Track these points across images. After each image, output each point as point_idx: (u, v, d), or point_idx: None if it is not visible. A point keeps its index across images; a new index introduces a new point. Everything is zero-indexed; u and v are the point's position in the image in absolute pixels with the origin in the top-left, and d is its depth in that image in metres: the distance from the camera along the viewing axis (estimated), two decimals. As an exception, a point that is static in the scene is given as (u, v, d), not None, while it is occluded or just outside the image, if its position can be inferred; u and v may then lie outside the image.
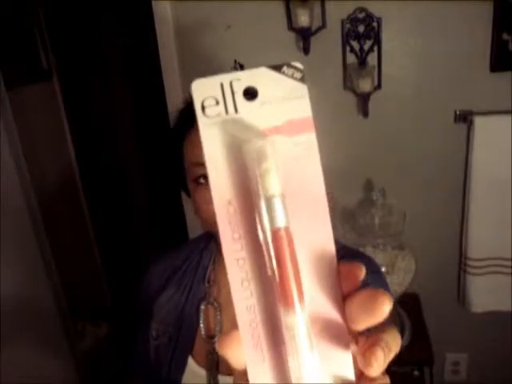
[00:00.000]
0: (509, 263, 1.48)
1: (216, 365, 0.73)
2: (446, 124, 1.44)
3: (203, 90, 0.23)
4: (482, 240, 1.48)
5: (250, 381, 0.25)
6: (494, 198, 1.43)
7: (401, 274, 1.39)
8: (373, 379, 0.25)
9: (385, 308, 0.23)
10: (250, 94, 0.23)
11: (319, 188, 0.24)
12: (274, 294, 0.24)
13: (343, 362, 0.25)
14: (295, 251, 0.23)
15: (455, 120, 1.43)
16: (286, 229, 0.23)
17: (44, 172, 1.70)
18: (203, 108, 0.23)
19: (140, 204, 1.97)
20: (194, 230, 1.64)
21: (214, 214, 0.68)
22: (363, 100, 1.44)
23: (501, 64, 1.35)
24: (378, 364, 0.24)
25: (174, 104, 1.54)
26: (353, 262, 0.25)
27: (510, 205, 1.42)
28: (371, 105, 1.44)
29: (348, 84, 1.44)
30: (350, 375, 0.25)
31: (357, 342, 0.25)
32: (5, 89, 1.09)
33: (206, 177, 0.64)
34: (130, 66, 1.76)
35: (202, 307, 0.76)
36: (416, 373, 1.53)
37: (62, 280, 1.27)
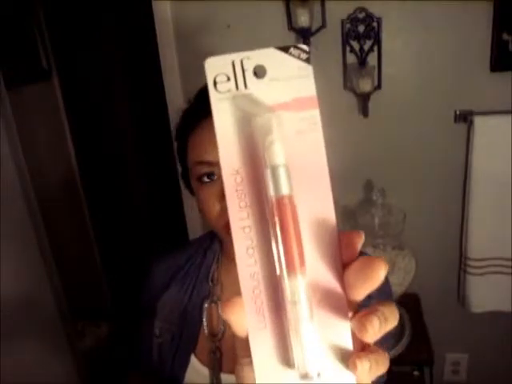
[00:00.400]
0: (509, 263, 1.48)
1: (219, 363, 0.73)
2: (446, 124, 1.44)
3: (216, 67, 0.25)
4: (481, 240, 1.48)
5: (252, 347, 0.25)
6: (494, 197, 1.43)
7: (401, 274, 1.39)
8: (369, 351, 0.25)
9: (381, 273, 0.24)
10: (259, 72, 0.25)
11: (322, 160, 0.25)
12: (277, 262, 0.24)
13: (342, 331, 0.25)
14: (298, 219, 0.24)
15: (455, 120, 1.43)
16: (290, 197, 0.24)
17: (44, 172, 1.70)
18: (215, 84, 0.25)
19: (140, 204, 1.97)
20: (194, 230, 1.64)
21: (216, 213, 0.68)
22: (363, 100, 1.44)
23: (501, 64, 1.35)
24: (373, 330, 0.24)
25: (174, 104, 1.55)
26: (352, 230, 0.25)
27: (510, 205, 1.42)
28: (371, 105, 1.44)
29: (348, 84, 1.44)
30: (348, 345, 0.25)
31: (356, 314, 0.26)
32: (5, 89, 1.09)
33: (209, 175, 0.65)
34: (130, 66, 1.76)
35: (206, 306, 0.76)
36: (416, 373, 1.53)
37: (62, 280, 1.27)
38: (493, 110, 1.39)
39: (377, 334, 0.25)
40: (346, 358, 0.25)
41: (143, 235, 2.00)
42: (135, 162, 1.91)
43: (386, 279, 0.77)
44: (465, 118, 1.41)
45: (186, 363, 0.75)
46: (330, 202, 0.25)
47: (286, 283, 0.24)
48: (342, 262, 0.25)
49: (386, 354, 0.26)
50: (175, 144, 0.74)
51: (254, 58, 0.25)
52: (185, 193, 1.64)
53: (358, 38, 1.38)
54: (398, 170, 1.53)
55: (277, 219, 0.24)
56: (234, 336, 0.27)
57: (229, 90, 0.25)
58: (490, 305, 1.55)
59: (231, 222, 0.25)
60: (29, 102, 1.62)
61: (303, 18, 1.34)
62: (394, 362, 1.41)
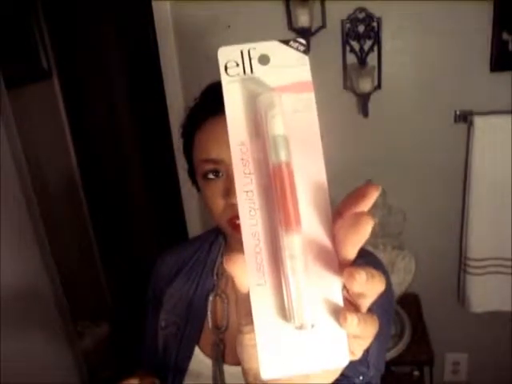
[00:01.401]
0: (509, 263, 1.48)
1: (222, 355, 0.75)
2: (446, 124, 1.44)
3: (227, 54, 0.30)
4: (481, 240, 1.48)
5: (252, 303, 0.28)
6: (493, 197, 1.43)
7: (401, 274, 1.39)
8: (357, 308, 0.28)
9: (367, 227, 0.26)
10: (263, 60, 0.29)
11: (315, 134, 0.29)
12: (276, 222, 0.28)
13: (333, 286, 0.28)
14: (294, 183, 0.27)
15: (455, 120, 1.43)
16: (288, 163, 0.27)
17: (44, 172, 1.70)
18: (226, 68, 0.30)
19: (140, 204, 1.97)
20: (194, 230, 1.64)
21: (221, 209, 0.70)
22: (363, 100, 1.44)
23: (501, 64, 1.35)
24: (361, 280, 0.26)
25: (174, 104, 1.55)
26: (368, 184, 0.28)
27: (510, 205, 1.42)
28: (371, 105, 1.44)
29: (348, 84, 1.44)
30: (339, 300, 0.28)
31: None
32: (5, 89, 1.09)
33: (214, 172, 0.67)
34: (130, 66, 1.76)
35: (210, 299, 0.78)
36: (416, 373, 1.53)
37: (62, 280, 1.27)
38: (493, 110, 1.39)
39: (363, 287, 0.26)
40: (338, 313, 0.27)
41: (143, 235, 2.00)
42: (135, 162, 1.91)
43: (389, 285, 0.77)
44: (465, 118, 1.41)
45: (190, 354, 0.77)
46: (322, 168, 0.28)
47: (284, 240, 0.27)
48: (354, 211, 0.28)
49: (376, 319, 0.28)
50: (181, 141, 0.75)
51: (259, 48, 0.30)
52: (184, 192, 1.64)
53: (358, 38, 1.38)
54: (398, 170, 1.53)
55: (276, 183, 0.27)
56: (236, 300, 0.30)
57: (238, 74, 0.29)
58: (490, 305, 1.55)
59: (236, 186, 0.28)
60: (29, 102, 1.62)
61: (303, 18, 1.34)
62: (394, 362, 1.41)
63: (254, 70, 0.29)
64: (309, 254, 0.27)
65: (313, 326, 0.27)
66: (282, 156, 0.27)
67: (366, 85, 1.39)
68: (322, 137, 0.29)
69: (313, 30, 1.38)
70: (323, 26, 1.39)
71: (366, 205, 0.28)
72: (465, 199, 1.49)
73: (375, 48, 1.39)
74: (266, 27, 1.42)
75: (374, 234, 1.41)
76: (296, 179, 0.28)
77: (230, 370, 0.74)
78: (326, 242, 0.28)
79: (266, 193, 0.28)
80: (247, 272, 0.28)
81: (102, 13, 1.68)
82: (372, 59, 1.40)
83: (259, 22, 1.42)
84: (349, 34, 1.39)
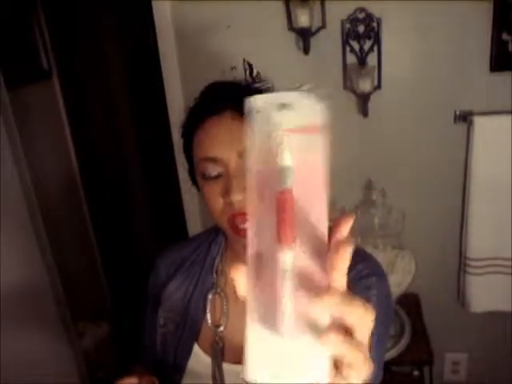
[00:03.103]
0: (509, 263, 1.48)
1: (221, 353, 0.75)
2: (446, 124, 1.45)
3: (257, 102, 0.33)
4: (481, 240, 1.48)
5: (247, 308, 0.30)
6: (493, 197, 1.43)
7: (400, 274, 1.39)
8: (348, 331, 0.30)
9: (346, 255, 0.30)
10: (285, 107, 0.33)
11: (320, 174, 0.32)
12: (275, 238, 0.31)
13: (319, 311, 0.30)
14: (293, 206, 0.31)
15: (455, 120, 1.43)
16: (290, 190, 0.31)
17: (44, 172, 1.70)
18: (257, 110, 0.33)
19: (140, 204, 1.97)
20: (194, 229, 1.64)
21: (220, 208, 0.72)
22: (363, 100, 1.44)
23: (501, 64, 1.35)
24: (347, 255, 0.30)
25: (174, 104, 1.55)
26: (342, 215, 0.32)
27: (510, 205, 1.42)
28: (371, 105, 1.44)
29: (348, 84, 1.44)
30: (325, 319, 0.30)
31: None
32: (5, 89, 1.09)
33: (213, 171, 0.67)
34: (130, 66, 1.76)
35: (210, 297, 0.79)
36: (416, 373, 1.53)
37: (63, 280, 1.27)
38: (493, 110, 1.39)
39: (346, 261, 0.30)
40: (321, 331, 0.29)
41: (143, 235, 2.00)
42: (135, 162, 1.91)
43: (388, 284, 0.77)
44: (465, 118, 1.41)
45: (189, 352, 0.77)
46: (323, 205, 0.32)
47: (279, 254, 0.30)
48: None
49: (366, 347, 0.31)
50: (181, 141, 0.75)
51: (281, 98, 0.33)
52: (184, 192, 1.64)
53: (358, 38, 1.39)
54: (397, 170, 1.53)
55: (279, 205, 0.31)
56: (237, 300, 0.32)
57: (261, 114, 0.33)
58: (490, 305, 1.55)
59: (248, 206, 0.32)
60: (29, 101, 1.62)
61: (303, 18, 1.34)
62: (393, 361, 1.41)
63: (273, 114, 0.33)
64: (302, 273, 0.31)
65: (297, 338, 0.30)
66: (287, 183, 0.31)
67: (365, 85, 1.39)
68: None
69: (313, 30, 1.38)
70: (323, 26, 1.39)
71: (342, 232, 0.31)
72: (465, 199, 1.49)
73: (375, 48, 1.39)
74: (266, 27, 1.42)
75: (373, 234, 1.41)
76: (297, 209, 0.31)
77: (229, 368, 0.74)
78: (317, 265, 0.31)
79: (271, 213, 0.31)
80: (245, 280, 0.31)
81: (102, 13, 1.68)
82: (372, 59, 1.41)
83: (259, 22, 1.42)
84: (349, 34, 1.39)
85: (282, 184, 0.31)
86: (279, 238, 0.31)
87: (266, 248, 0.31)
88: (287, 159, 0.32)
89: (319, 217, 0.32)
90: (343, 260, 0.30)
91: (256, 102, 0.33)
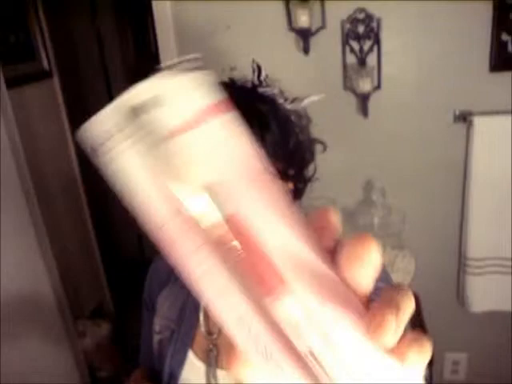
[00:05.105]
0: (509, 263, 1.48)
1: (215, 360, 0.74)
2: (446, 124, 1.45)
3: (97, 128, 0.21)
4: (481, 240, 1.48)
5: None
6: (493, 197, 1.43)
7: (400, 274, 1.39)
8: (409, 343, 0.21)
9: (372, 249, 0.21)
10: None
11: (255, 166, 0.21)
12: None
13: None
14: (252, 231, 0.20)
15: (455, 120, 1.43)
16: (231, 215, 0.20)
17: (44, 171, 1.70)
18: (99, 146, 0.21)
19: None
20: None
21: None
22: (363, 100, 1.44)
23: (500, 64, 1.35)
24: (390, 328, 0.20)
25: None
26: (323, 208, 0.22)
27: (510, 205, 1.42)
28: (371, 105, 1.44)
29: (348, 84, 1.45)
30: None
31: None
32: (5, 88, 1.09)
33: None
34: (130, 65, 1.76)
35: (203, 304, 0.77)
36: (416, 373, 1.53)
37: (63, 280, 1.27)
38: (492, 110, 1.39)
39: (396, 334, 0.21)
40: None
41: (143, 235, 2.00)
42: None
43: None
44: (464, 118, 1.41)
45: (183, 359, 0.77)
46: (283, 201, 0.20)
47: (274, 309, 0.20)
48: (327, 248, 0.21)
49: (426, 340, 0.23)
50: None
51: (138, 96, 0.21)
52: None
53: (358, 38, 1.39)
54: (397, 170, 1.53)
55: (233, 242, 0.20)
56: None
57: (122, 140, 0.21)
58: (490, 305, 1.55)
59: (188, 270, 0.21)
60: (29, 101, 1.62)
61: (303, 19, 1.34)
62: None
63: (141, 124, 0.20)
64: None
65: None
66: (226, 209, 0.20)
67: (365, 85, 1.39)
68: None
69: (313, 30, 1.38)
70: (323, 27, 1.39)
71: (333, 235, 0.22)
72: (464, 199, 1.49)
73: (375, 48, 1.39)
74: (265, 27, 1.42)
75: (373, 234, 1.42)
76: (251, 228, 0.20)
77: (223, 375, 0.73)
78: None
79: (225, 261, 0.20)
80: (248, 364, 0.22)
81: (102, 13, 1.69)
82: (372, 59, 1.41)
83: (259, 22, 1.42)
84: (348, 35, 1.39)
85: (221, 211, 0.20)
86: (263, 290, 0.20)
87: (250, 311, 0.20)
88: (200, 173, 0.20)
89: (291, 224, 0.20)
90: (372, 260, 0.21)
91: (97, 128, 0.20)
